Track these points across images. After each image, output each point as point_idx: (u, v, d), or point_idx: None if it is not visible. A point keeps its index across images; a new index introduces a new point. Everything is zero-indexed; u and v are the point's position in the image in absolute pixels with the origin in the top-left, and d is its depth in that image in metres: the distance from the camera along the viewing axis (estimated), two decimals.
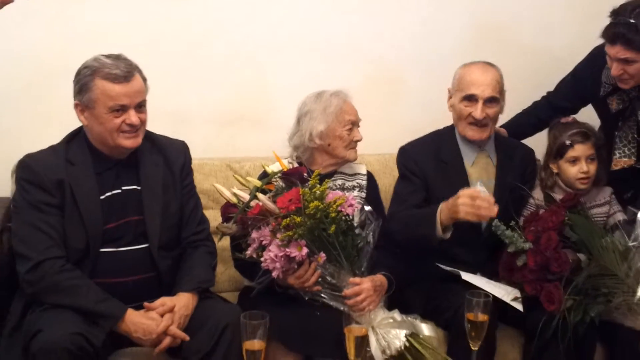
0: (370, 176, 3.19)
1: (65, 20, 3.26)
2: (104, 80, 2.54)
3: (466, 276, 2.87)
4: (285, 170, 2.82)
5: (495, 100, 3.05)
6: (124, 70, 2.56)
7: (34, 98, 3.27)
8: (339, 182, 3.09)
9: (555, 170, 3.06)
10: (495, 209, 2.76)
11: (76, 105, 2.61)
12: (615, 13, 2.94)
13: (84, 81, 2.56)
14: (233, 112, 3.53)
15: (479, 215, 2.79)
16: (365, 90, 3.52)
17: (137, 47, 3.13)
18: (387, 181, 3.43)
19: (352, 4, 3.61)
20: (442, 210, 2.88)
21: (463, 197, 2.80)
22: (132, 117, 2.58)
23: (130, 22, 3.33)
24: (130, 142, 2.62)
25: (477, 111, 3.02)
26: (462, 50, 3.69)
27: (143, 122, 2.64)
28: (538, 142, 3.33)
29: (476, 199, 2.77)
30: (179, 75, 3.42)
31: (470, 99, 3.04)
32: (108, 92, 2.54)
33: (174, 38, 3.39)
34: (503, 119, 3.27)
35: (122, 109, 2.57)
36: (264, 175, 2.88)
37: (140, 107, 2.62)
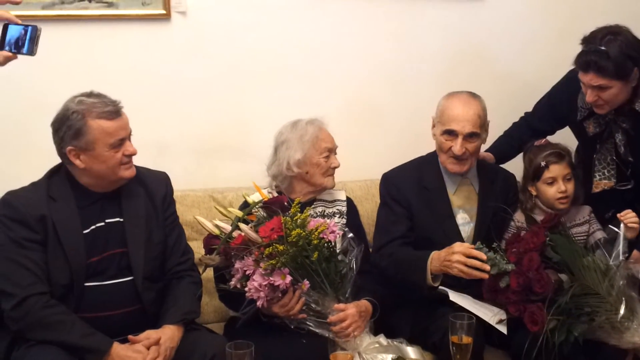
0: (350, 202, 3.21)
1: (43, 57, 3.23)
2: (100, 120, 2.56)
3: (453, 296, 2.87)
4: (266, 199, 2.84)
5: (476, 135, 3.04)
6: (113, 106, 2.60)
7: (12, 136, 3.25)
8: (319, 209, 3.10)
9: (534, 193, 3.06)
10: (487, 269, 2.80)
11: (70, 152, 2.58)
12: (586, 41, 2.94)
13: (78, 126, 2.55)
14: (213, 142, 3.53)
15: (471, 275, 2.83)
16: (345, 117, 3.57)
17: (116, 79, 3.18)
18: (370, 207, 3.45)
19: (330, 33, 3.64)
20: (433, 260, 2.90)
21: (457, 254, 2.83)
22: (130, 147, 2.65)
23: (109, 55, 3.34)
24: (129, 172, 2.67)
25: (457, 146, 3.01)
26: (438, 75, 3.76)
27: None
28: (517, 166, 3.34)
29: (470, 256, 2.81)
30: (158, 106, 3.43)
31: (451, 133, 3.03)
32: (106, 129, 2.57)
33: (152, 70, 3.41)
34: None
35: (121, 143, 2.61)
36: (245, 206, 2.90)
37: (130, 137, 2.68)
